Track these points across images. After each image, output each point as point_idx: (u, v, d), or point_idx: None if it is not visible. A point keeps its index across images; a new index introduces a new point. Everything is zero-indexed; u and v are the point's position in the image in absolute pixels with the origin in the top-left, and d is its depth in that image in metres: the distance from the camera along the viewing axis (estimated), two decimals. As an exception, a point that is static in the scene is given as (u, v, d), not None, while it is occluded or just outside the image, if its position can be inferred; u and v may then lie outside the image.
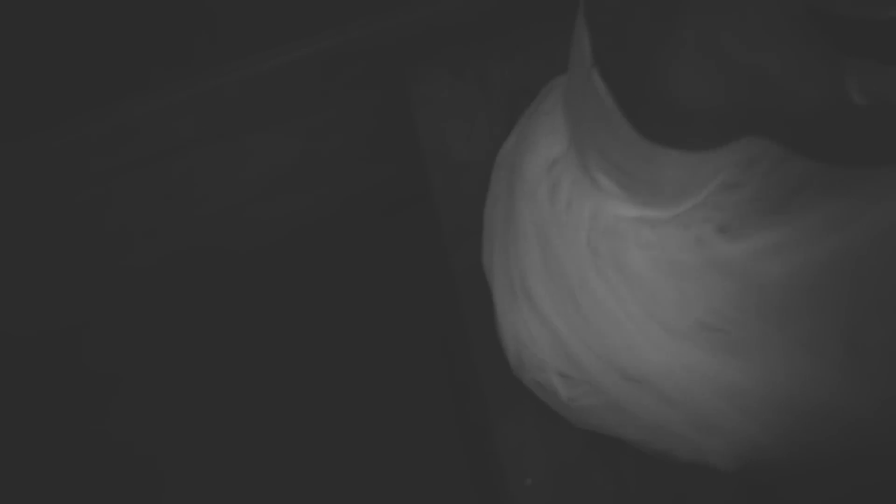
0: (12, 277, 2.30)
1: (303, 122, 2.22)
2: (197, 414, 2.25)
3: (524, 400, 1.75)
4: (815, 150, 1.38)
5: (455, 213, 1.93)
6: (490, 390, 1.78)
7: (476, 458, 2.11)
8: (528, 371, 1.71)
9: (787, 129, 1.32)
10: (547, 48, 2.03)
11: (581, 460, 1.75)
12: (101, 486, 2.23)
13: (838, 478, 1.70)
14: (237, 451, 2.23)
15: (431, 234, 2.04)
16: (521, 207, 1.66)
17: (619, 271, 1.58)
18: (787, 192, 1.61)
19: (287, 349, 2.30)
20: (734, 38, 1.24)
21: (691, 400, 1.64)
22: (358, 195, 2.37)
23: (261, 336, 2.33)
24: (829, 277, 1.63)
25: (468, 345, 1.85)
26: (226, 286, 2.36)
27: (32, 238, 2.22)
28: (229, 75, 2.11)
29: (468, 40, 2.12)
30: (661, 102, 1.32)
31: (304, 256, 2.35)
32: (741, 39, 1.24)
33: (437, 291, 2.06)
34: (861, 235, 1.61)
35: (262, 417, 2.26)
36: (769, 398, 1.66)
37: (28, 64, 2.03)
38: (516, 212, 1.67)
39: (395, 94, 2.15)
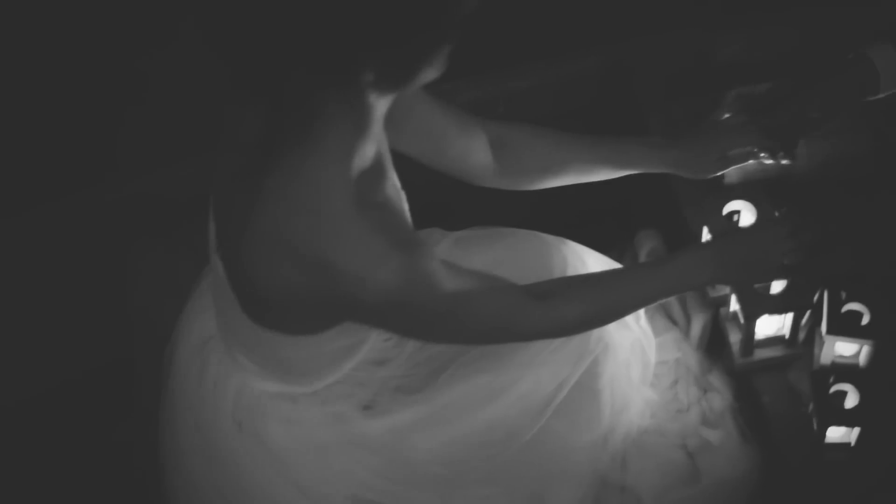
0: None
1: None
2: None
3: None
4: (405, 330, 1.42)
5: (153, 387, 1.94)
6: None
7: None
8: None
9: (372, 315, 1.36)
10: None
11: None
12: None
13: None
14: None
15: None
16: (175, 386, 1.67)
17: (263, 447, 1.59)
18: (433, 370, 1.65)
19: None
20: (302, 231, 1.27)
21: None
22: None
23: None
24: (487, 449, 1.66)
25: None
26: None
27: None
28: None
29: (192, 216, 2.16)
30: (253, 289, 1.36)
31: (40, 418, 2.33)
32: (308, 232, 1.27)
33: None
34: (513, 406, 1.65)
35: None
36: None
37: None
38: (171, 390, 1.68)
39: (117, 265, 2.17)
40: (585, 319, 1.52)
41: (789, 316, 1.80)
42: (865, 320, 1.84)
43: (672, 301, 1.97)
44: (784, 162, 1.73)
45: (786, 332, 1.82)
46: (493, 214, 1.95)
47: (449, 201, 1.96)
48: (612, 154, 1.68)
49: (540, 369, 1.64)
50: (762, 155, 1.71)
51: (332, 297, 1.31)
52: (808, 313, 1.89)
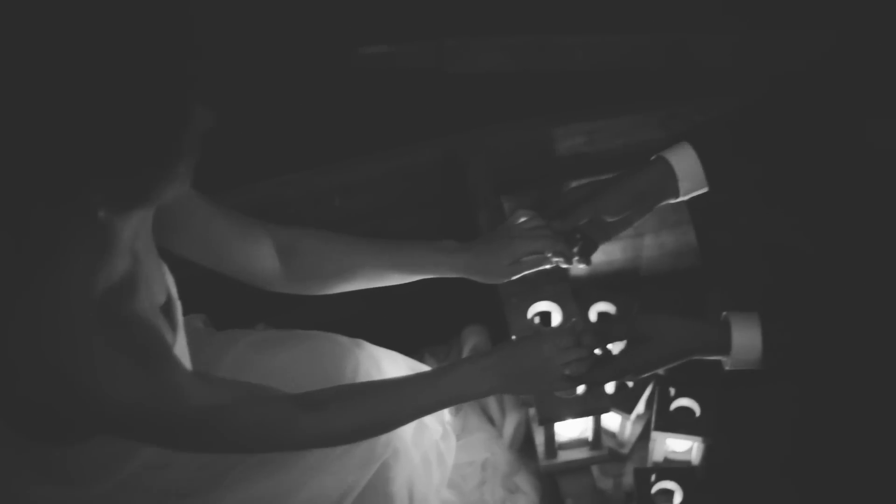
0: None
1: None
2: None
3: None
4: (158, 443, 1.42)
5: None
6: None
7: None
8: None
9: (120, 430, 1.36)
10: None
11: None
12: None
13: None
14: None
15: None
16: None
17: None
18: (217, 473, 1.63)
19: None
20: (42, 349, 1.27)
21: None
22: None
23: None
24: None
25: None
26: None
27: None
28: None
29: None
30: (8, 400, 1.37)
31: None
32: (47, 351, 1.27)
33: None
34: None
35: None
36: None
37: None
38: None
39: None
40: (359, 429, 1.52)
41: (591, 419, 1.80)
42: (697, 416, 1.86)
43: (489, 399, 1.97)
44: (581, 266, 1.73)
45: (589, 434, 1.82)
46: (335, 308, 1.94)
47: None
48: (401, 259, 1.68)
49: (324, 474, 1.63)
50: (556, 259, 1.71)
51: (76, 413, 1.31)
52: (636, 407, 1.89)
